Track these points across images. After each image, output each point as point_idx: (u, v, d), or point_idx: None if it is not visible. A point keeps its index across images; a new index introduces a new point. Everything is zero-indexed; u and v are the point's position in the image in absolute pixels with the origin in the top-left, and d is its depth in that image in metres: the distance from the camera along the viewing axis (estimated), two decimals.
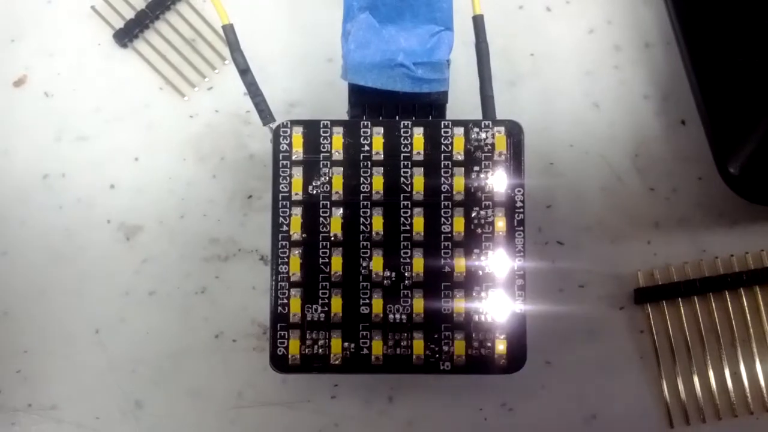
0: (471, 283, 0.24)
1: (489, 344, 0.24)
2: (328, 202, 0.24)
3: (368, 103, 0.25)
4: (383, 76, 0.24)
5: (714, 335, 0.27)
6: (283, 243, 0.24)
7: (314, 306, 0.24)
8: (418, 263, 0.24)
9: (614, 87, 0.29)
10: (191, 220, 0.28)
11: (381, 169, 0.24)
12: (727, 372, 0.27)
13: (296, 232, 0.24)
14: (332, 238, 0.24)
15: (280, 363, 0.24)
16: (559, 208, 0.28)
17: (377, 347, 0.24)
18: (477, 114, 0.25)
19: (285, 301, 0.24)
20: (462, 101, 0.26)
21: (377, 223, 0.24)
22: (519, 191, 0.24)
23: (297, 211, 0.24)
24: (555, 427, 0.27)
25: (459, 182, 0.24)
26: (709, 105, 0.27)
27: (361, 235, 0.24)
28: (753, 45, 0.27)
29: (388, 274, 0.24)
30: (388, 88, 0.24)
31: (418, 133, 0.24)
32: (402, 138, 0.24)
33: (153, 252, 0.28)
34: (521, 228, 0.24)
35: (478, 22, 0.25)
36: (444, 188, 0.24)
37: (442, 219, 0.24)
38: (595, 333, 0.27)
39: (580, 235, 0.28)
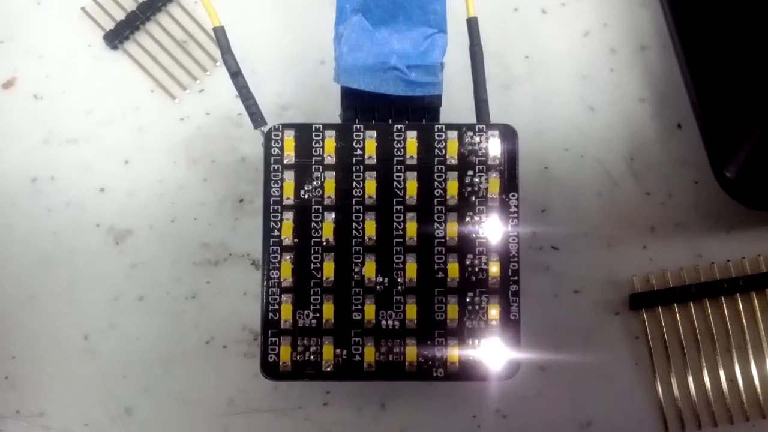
0: (464, 288, 0.24)
1: (483, 350, 0.24)
2: (320, 207, 0.24)
3: (361, 106, 0.25)
4: (376, 79, 0.24)
5: (710, 341, 0.27)
6: (275, 248, 0.24)
7: (306, 312, 0.24)
8: (411, 269, 0.24)
9: (610, 90, 0.28)
10: (182, 224, 0.28)
11: (374, 174, 0.24)
12: (723, 378, 0.27)
13: (288, 237, 0.24)
14: (324, 243, 0.24)
15: (271, 370, 0.24)
16: (553, 213, 0.28)
17: (370, 354, 0.24)
18: (471, 118, 0.24)
19: (276, 306, 0.24)
20: (456, 105, 0.25)
21: (370, 228, 0.24)
22: (513, 195, 0.24)
23: (288, 216, 0.24)
24: None
25: (452, 187, 0.24)
26: (705, 108, 0.26)
27: (353, 240, 0.24)
28: (750, 48, 0.26)
29: (381, 279, 0.24)
30: (381, 92, 0.24)
31: (412, 136, 0.24)
32: (395, 142, 0.24)
33: (143, 256, 0.28)
34: (515, 233, 0.24)
35: (472, 24, 0.25)
36: (437, 193, 0.24)
37: (436, 224, 0.24)
38: (590, 339, 0.27)
39: (575, 239, 0.28)
